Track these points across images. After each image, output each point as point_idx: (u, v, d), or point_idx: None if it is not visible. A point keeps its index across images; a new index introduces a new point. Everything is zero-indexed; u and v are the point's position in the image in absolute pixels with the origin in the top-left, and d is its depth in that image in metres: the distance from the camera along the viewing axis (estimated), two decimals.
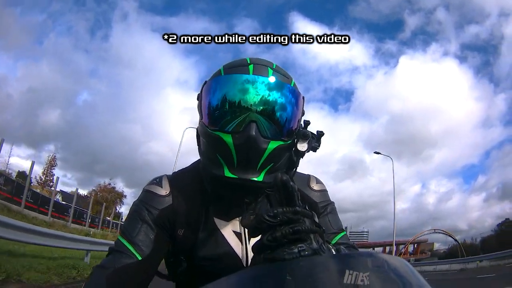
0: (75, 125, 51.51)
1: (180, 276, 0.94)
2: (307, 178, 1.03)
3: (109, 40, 59.14)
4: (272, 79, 0.83)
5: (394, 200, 21.97)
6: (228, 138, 0.80)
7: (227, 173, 0.81)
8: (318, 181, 1.03)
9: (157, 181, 0.93)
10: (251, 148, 0.79)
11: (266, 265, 0.51)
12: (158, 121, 60.30)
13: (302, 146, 0.86)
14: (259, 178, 0.81)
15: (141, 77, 60.87)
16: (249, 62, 0.87)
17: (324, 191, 1.02)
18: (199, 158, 0.96)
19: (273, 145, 0.81)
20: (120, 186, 48.96)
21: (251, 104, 0.80)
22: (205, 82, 0.89)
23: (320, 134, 0.93)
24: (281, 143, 0.82)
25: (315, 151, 0.93)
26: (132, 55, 58.17)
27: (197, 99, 0.92)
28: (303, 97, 0.90)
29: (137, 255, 0.82)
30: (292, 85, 0.87)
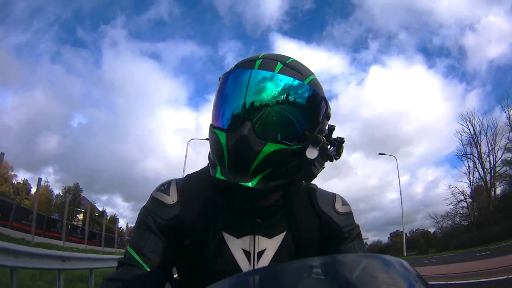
0: (72, 147, 52.01)
1: (185, 282, 0.91)
2: (332, 198, 0.93)
3: (100, 66, 60.66)
4: (277, 74, 0.75)
5: (401, 197, 21.93)
6: (223, 137, 0.74)
7: (218, 175, 0.75)
8: (344, 202, 0.94)
9: (165, 188, 0.88)
10: (242, 149, 0.71)
11: (269, 266, 0.53)
12: (152, 139, 61.89)
13: (311, 153, 0.76)
14: (251, 183, 0.73)
15: (134, 98, 63.03)
16: (260, 56, 0.80)
17: (349, 214, 0.93)
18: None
19: (270, 148, 0.72)
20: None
21: (249, 102, 0.73)
22: (219, 79, 0.84)
23: (341, 141, 0.84)
24: (283, 146, 0.73)
25: (332, 161, 0.83)
26: (124, 78, 60.71)
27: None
28: (324, 98, 0.80)
29: (146, 267, 0.80)
30: (306, 82, 0.78)
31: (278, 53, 0.83)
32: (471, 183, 30.76)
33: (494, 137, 29.71)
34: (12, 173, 32.89)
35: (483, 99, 49.62)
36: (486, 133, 30.29)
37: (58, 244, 16.86)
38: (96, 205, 38.92)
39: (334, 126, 0.83)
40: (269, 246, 0.85)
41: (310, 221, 0.88)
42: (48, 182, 36.68)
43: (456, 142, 31.48)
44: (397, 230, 38.72)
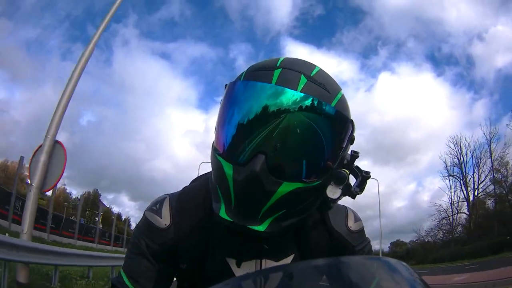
0: (80, 145, 51.68)
1: None
2: (344, 214, 0.85)
3: (111, 64, 61.42)
4: (301, 94, 0.61)
5: (380, 219, 23.38)
6: (229, 170, 0.64)
7: (223, 214, 0.66)
8: (356, 218, 0.86)
9: (157, 209, 0.80)
10: (252, 187, 0.61)
11: (272, 268, 0.51)
12: (161, 139, 61.73)
13: (333, 192, 0.68)
14: (260, 227, 0.64)
15: (144, 98, 62.97)
16: (278, 64, 0.66)
17: (361, 231, 0.86)
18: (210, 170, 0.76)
19: (286, 188, 0.62)
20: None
21: (262, 128, 0.61)
22: (226, 86, 0.70)
23: (366, 176, 0.71)
24: (302, 185, 0.63)
25: (354, 198, 0.71)
26: (134, 77, 60.82)
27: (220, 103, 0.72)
28: (351, 121, 0.68)
29: None
30: (333, 104, 0.65)
31: (299, 59, 0.70)
32: (452, 202, 33.09)
33: (479, 160, 32.01)
34: (27, 173, 34.42)
35: (490, 107, 49.41)
36: (472, 155, 32.55)
37: (93, 246, 20.62)
38: (112, 209, 40.38)
39: (358, 152, 0.70)
40: None
41: (321, 240, 0.82)
42: (65, 185, 37.98)
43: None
44: (397, 240, 39.59)
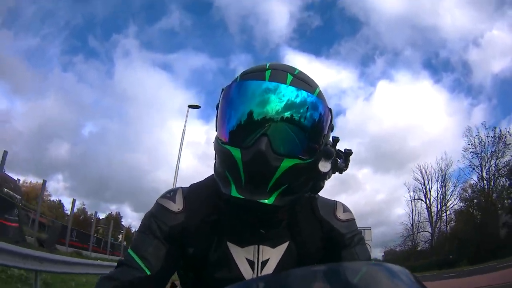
0: (82, 156, 53.85)
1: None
2: (333, 205, 0.95)
3: (113, 75, 63.95)
4: (290, 86, 0.75)
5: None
6: (237, 153, 0.74)
7: (234, 193, 0.75)
8: (345, 209, 0.95)
9: (171, 195, 0.90)
10: (260, 165, 0.72)
11: (274, 275, 0.59)
12: (162, 150, 61.46)
13: (324, 166, 0.79)
14: (269, 200, 0.74)
15: (145, 109, 64.38)
16: (267, 67, 0.80)
17: (351, 221, 0.94)
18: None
19: (287, 163, 0.73)
20: None
21: (263, 115, 0.73)
22: (222, 90, 0.82)
23: (348, 153, 0.87)
24: (299, 161, 0.74)
25: (341, 173, 0.86)
26: (135, 88, 62.86)
27: (216, 108, 0.85)
28: (330, 110, 0.81)
29: (146, 270, 0.80)
30: (315, 94, 0.79)
31: (283, 63, 0.84)
32: (413, 223, 37.94)
33: (444, 186, 36.87)
34: (47, 193, 35.18)
35: (490, 112, 49.49)
36: (437, 180, 37.35)
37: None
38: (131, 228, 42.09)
39: (338, 137, 0.85)
40: (273, 255, 0.86)
41: (313, 230, 0.90)
42: (84, 205, 40.86)
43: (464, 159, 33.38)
44: (390, 249, 41.44)
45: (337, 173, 0.87)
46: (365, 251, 0.93)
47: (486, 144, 31.89)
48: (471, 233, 28.89)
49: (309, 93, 0.77)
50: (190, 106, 17.15)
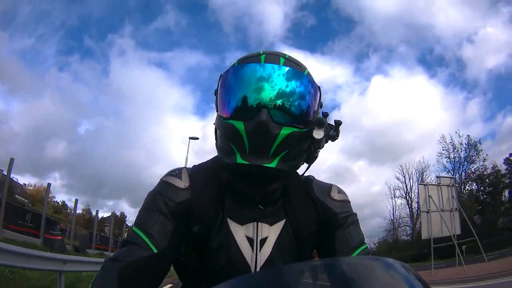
0: (79, 153, 54.03)
1: (188, 276, 0.92)
2: (328, 187, 0.99)
3: (108, 74, 64.96)
4: (283, 66, 0.83)
5: None
6: (240, 125, 0.80)
7: (239, 160, 0.80)
8: (340, 191, 0.99)
9: (176, 173, 0.92)
10: (262, 133, 0.78)
11: (274, 268, 0.61)
12: (159, 146, 61.96)
13: (318, 134, 0.85)
14: (273, 164, 0.80)
15: (141, 106, 63.63)
16: (261, 53, 0.88)
17: (345, 202, 0.98)
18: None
19: (286, 131, 0.79)
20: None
21: (262, 91, 0.80)
22: (221, 76, 0.87)
23: (338, 123, 0.93)
24: (295, 129, 0.81)
25: (334, 141, 0.93)
26: (131, 87, 61.60)
27: (214, 94, 0.90)
28: (319, 87, 0.88)
29: (153, 248, 0.80)
30: (305, 73, 0.87)
31: (274, 50, 0.90)
32: (393, 219, 40.89)
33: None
34: (51, 195, 35.71)
35: (485, 106, 49.83)
36: (417, 180, 40.27)
37: None
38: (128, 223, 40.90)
39: (328, 112, 0.91)
40: (271, 233, 0.90)
41: (307, 210, 0.94)
42: (89, 206, 41.64)
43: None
44: (384, 239, 42.70)
45: (330, 141, 0.93)
46: (359, 233, 0.95)
47: (459, 151, 34.60)
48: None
49: (299, 72, 0.85)
50: (191, 138, 20.48)
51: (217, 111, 0.88)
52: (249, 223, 0.90)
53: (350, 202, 1.00)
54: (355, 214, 0.98)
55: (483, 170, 33.50)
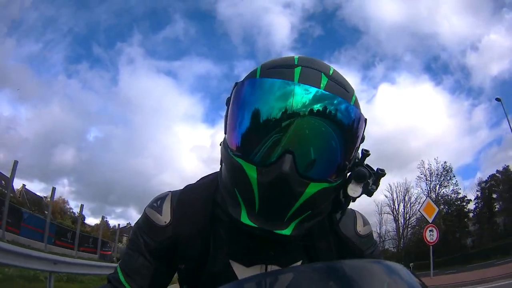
0: (87, 160, 53.30)
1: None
2: (353, 218, 0.85)
3: (118, 82, 63.93)
4: (325, 92, 0.62)
5: None
6: (252, 172, 0.62)
7: (244, 219, 0.65)
8: (365, 222, 0.86)
9: (157, 205, 0.80)
10: (281, 190, 0.60)
11: (276, 271, 0.55)
12: (168, 154, 61.83)
13: (354, 191, 0.66)
14: (287, 231, 0.64)
15: (151, 114, 62.79)
16: (296, 62, 0.66)
17: (370, 235, 0.86)
18: (217, 170, 0.79)
19: (313, 188, 0.61)
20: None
21: (289, 126, 0.60)
22: (236, 84, 0.69)
23: (381, 174, 0.68)
24: (327, 185, 0.63)
25: (371, 196, 0.68)
26: (140, 95, 61.94)
27: (226, 104, 0.71)
28: (366, 120, 0.69)
29: None
30: (353, 102, 0.66)
31: (313, 58, 0.69)
32: (380, 234, 41.24)
33: (409, 203, 41.15)
34: (68, 206, 37.13)
35: (490, 112, 47.62)
36: (404, 198, 41.93)
37: None
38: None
39: (369, 151, 0.68)
40: None
41: (330, 246, 0.80)
42: (106, 218, 41.40)
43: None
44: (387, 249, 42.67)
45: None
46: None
47: (434, 175, 38.16)
48: (422, 248, 34.07)
49: (345, 102, 0.63)
50: None
51: (224, 132, 0.72)
52: (256, 265, 0.76)
53: (372, 231, 0.89)
54: (377, 244, 0.89)
55: (456, 195, 37.83)
